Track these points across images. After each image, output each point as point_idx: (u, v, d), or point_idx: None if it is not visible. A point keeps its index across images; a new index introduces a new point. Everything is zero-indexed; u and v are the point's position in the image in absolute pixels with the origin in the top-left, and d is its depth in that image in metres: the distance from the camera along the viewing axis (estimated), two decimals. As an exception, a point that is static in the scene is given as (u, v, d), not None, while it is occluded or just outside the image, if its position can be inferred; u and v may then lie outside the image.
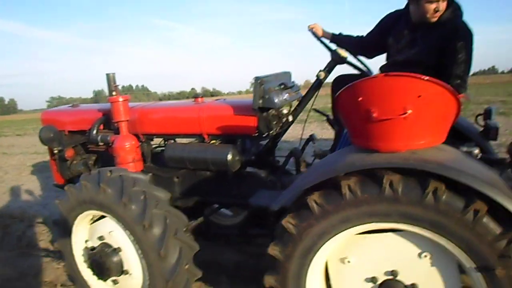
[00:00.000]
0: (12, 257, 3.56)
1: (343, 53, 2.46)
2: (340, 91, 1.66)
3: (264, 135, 2.60)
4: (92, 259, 2.37)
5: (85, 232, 2.52)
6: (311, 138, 2.93)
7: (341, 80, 2.70)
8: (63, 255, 2.60)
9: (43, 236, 4.06)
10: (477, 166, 1.61)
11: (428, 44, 2.36)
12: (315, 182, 1.62)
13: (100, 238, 2.38)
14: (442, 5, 2.29)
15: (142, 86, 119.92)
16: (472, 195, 1.39)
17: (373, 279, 1.69)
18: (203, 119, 2.69)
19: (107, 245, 2.34)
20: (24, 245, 3.84)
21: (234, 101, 2.81)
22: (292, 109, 2.64)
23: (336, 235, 1.63)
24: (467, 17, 2.35)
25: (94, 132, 3.01)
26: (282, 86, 2.59)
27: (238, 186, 2.68)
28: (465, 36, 2.28)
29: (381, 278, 1.67)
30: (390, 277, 1.65)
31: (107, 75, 2.80)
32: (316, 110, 2.96)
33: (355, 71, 2.61)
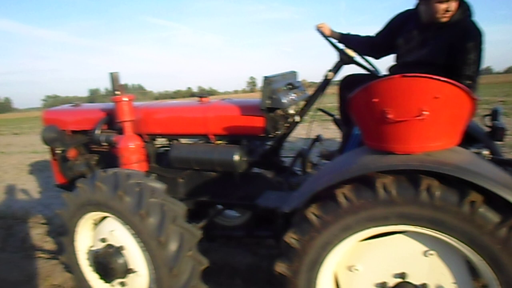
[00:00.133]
0: (17, 259, 3.49)
1: (351, 52, 2.45)
2: (355, 91, 1.63)
3: (271, 136, 2.57)
4: (96, 261, 2.34)
5: (88, 239, 2.50)
6: (318, 138, 2.91)
7: (351, 80, 2.68)
8: (70, 265, 2.58)
9: (48, 238, 3.97)
10: (491, 167, 1.60)
11: (439, 45, 2.34)
12: (331, 184, 1.60)
13: (103, 240, 2.35)
14: (453, 5, 2.27)
15: (138, 85, 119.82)
16: (466, 187, 1.39)
17: (383, 284, 1.68)
18: (209, 119, 2.66)
19: (109, 246, 2.31)
20: (29, 246, 3.76)
21: (240, 101, 2.78)
22: (299, 109, 2.61)
23: (339, 244, 1.64)
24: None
25: (98, 132, 2.97)
26: (290, 86, 2.57)
27: (244, 187, 2.66)
28: (476, 36, 2.27)
29: (391, 282, 1.66)
30: (400, 279, 1.64)
31: (111, 74, 2.73)
32: (322, 110, 2.93)
33: (363, 71, 2.59)
